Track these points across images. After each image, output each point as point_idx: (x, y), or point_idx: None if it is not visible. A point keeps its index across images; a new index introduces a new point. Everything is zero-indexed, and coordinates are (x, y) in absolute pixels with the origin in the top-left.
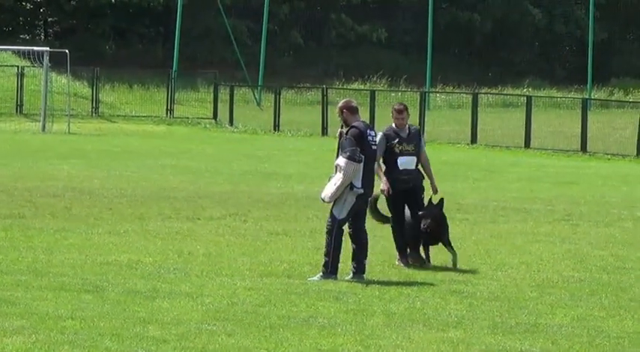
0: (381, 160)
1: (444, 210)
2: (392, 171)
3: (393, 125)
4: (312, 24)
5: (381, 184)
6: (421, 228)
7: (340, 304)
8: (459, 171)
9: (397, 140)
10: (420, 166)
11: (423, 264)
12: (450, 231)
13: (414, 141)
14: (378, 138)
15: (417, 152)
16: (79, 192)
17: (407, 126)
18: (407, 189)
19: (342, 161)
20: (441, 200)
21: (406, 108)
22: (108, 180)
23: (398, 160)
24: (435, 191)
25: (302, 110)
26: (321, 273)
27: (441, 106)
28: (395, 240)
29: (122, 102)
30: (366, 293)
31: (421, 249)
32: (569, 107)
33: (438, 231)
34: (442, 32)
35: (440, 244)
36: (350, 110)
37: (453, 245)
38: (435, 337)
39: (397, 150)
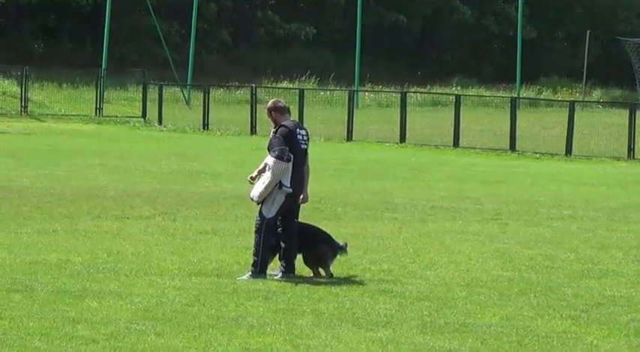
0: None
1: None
2: None
3: None
4: (241, 22)
5: None
6: None
7: (269, 303)
8: (387, 170)
9: None
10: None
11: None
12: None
13: None
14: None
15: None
16: (7, 190)
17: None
18: None
19: (270, 160)
20: None
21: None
22: (37, 179)
23: None
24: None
25: (231, 109)
26: (250, 272)
27: (369, 105)
28: None
29: (51, 101)
30: (295, 293)
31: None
32: (498, 106)
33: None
34: (371, 30)
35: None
36: (278, 110)
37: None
38: (364, 336)
39: None
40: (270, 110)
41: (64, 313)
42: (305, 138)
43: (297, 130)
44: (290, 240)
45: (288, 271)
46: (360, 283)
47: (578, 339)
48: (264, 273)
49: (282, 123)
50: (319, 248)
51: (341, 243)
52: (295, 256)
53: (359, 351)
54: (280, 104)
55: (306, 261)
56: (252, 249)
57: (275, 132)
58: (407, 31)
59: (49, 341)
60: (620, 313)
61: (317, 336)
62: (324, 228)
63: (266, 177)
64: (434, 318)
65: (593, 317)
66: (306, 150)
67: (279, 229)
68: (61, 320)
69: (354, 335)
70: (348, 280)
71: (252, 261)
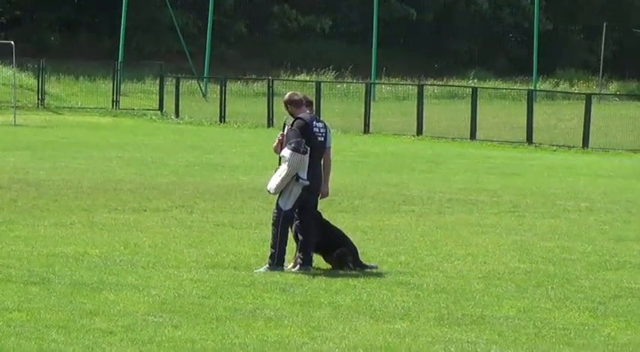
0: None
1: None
2: None
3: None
4: (257, 15)
5: None
6: None
7: (287, 296)
8: (404, 163)
9: None
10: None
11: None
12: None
13: None
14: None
15: None
16: (24, 183)
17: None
18: None
19: (286, 152)
20: None
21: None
22: (54, 171)
23: None
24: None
25: (248, 101)
26: (267, 265)
27: (386, 98)
28: None
29: (68, 94)
30: (312, 285)
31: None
32: (514, 98)
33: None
34: (387, 23)
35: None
36: (294, 104)
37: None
38: (381, 328)
39: None
40: (286, 103)
41: (81, 305)
42: (322, 131)
43: (314, 123)
44: (307, 232)
45: (306, 263)
46: (378, 275)
47: (595, 331)
48: (282, 266)
49: (299, 115)
50: (340, 251)
51: (370, 264)
52: (313, 248)
53: (376, 343)
54: (296, 97)
55: (326, 259)
56: (270, 241)
57: (291, 125)
58: (422, 23)
59: (66, 333)
60: (638, 305)
61: (334, 328)
62: (352, 239)
63: (282, 169)
64: (451, 310)
65: (611, 309)
66: (323, 142)
67: (296, 221)
68: (78, 312)
69: (372, 327)
70: (366, 272)
71: (269, 254)
